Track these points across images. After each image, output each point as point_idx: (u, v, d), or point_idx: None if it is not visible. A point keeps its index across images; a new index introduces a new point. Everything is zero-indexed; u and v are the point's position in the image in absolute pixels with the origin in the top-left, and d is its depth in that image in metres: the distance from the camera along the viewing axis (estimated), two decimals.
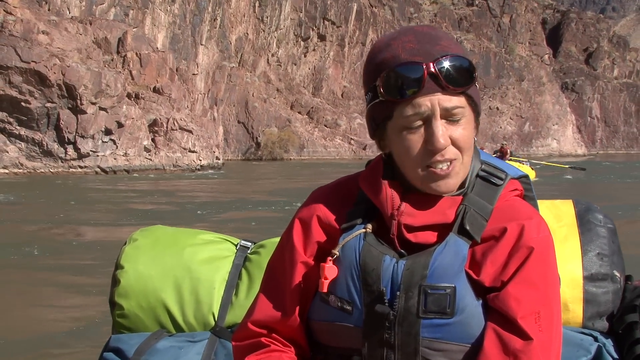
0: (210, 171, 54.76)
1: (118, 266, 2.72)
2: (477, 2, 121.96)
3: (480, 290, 1.62)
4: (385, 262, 1.62)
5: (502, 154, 37.42)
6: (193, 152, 55.59)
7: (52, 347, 8.37)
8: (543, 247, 1.63)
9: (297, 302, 1.75)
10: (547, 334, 1.60)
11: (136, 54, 58.33)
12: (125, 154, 51.43)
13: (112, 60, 57.04)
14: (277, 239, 2.70)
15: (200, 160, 56.04)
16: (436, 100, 1.59)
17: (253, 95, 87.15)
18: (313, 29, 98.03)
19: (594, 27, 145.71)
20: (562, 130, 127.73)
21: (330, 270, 1.63)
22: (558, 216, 2.36)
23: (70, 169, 48.43)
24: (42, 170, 47.16)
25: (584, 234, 2.31)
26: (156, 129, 54.37)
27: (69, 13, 61.62)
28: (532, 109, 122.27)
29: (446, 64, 1.60)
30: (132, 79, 57.21)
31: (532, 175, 33.73)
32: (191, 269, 2.65)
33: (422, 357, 1.61)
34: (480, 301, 1.62)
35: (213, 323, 2.65)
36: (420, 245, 1.63)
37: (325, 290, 1.65)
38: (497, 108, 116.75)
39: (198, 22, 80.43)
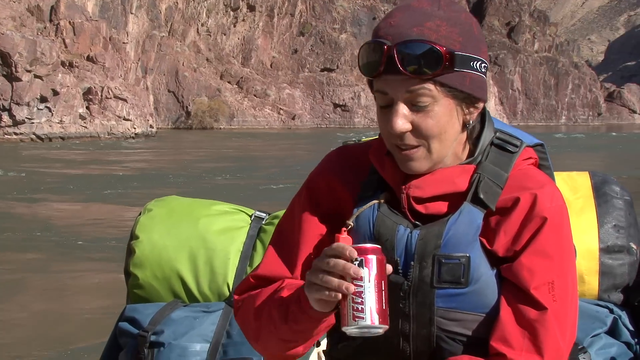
0: (143, 139, 55.73)
1: (133, 236, 2.73)
2: None
3: (494, 259, 1.62)
4: (399, 232, 1.62)
5: None
6: (127, 120, 56.59)
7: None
8: (557, 217, 1.62)
9: (303, 264, 1.73)
10: (561, 304, 1.59)
11: (69, 22, 58.79)
12: (61, 121, 52.15)
13: (45, 28, 57.37)
14: None
15: (135, 128, 57.08)
16: (398, 84, 1.58)
17: (183, 65, 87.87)
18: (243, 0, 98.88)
19: (516, 1, 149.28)
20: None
21: (344, 240, 1.57)
22: (574, 188, 2.35)
23: (5, 136, 48.96)
24: None
25: (601, 206, 2.31)
26: (91, 97, 55.18)
27: None
28: None
29: (407, 48, 1.56)
30: (66, 47, 57.65)
31: None
32: (206, 240, 2.66)
33: (437, 326, 1.61)
34: (495, 271, 1.61)
35: (228, 294, 2.65)
36: (434, 216, 1.63)
37: None
38: None
39: None
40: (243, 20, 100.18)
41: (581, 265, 2.10)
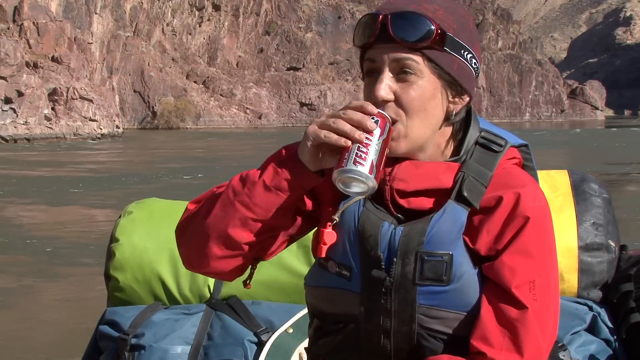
0: (110, 139, 55.54)
1: (113, 239, 2.71)
2: None
3: (476, 258, 1.62)
4: (383, 228, 1.62)
5: None
6: (94, 120, 56.32)
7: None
8: (539, 216, 1.62)
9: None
10: (542, 303, 1.60)
11: (33, 22, 58.38)
12: (26, 122, 51.83)
13: (9, 29, 56.94)
14: None
15: (101, 129, 56.85)
16: (387, 52, 1.60)
17: (149, 65, 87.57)
18: None
19: (480, 0, 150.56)
20: None
21: (329, 235, 1.62)
22: (553, 186, 2.35)
23: None
24: None
25: (579, 204, 2.31)
26: (56, 98, 54.90)
27: None
28: None
29: (401, 18, 1.59)
30: (30, 47, 57.26)
31: None
32: None
33: (419, 324, 1.62)
34: (477, 269, 1.62)
35: (208, 295, 2.66)
36: (417, 212, 1.64)
37: (323, 255, 1.64)
38: None
39: None
40: (208, 19, 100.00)
41: (560, 263, 2.06)
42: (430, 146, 1.67)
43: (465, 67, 1.65)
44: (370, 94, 1.62)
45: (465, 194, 1.62)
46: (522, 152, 1.76)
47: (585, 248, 2.30)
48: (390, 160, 1.64)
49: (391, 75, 1.61)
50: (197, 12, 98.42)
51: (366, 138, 1.54)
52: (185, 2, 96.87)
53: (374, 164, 1.53)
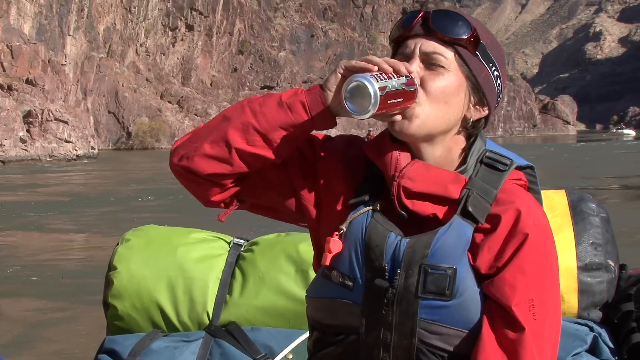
0: (85, 160, 55.55)
1: (111, 267, 2.70)
2: None
3: (477, 276, 1.62)
4: (389, 238, 1.62)
5: None
6: (69, 142, 56.34)
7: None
8: (539, 235, 1.62)
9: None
10: (540, 323, 1.59)
11: (7, 45, 58.44)
12: (1, 145, 51.71)
13: None
14: (271, 236, 2.83)
15: (77, 150, 56.83)
16: (420, 43, 1.64)
17: (123, 86, 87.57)
18: (181, 19, 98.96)
19: None
20: None
21: (335, 244, 1.63)
22: (551, 206, 2.32)
23: None
24: None
25: (578, 224, 2.30)
26: (31, 120, 54.85)
27: None
28: None
29: (442, 14, 1.65)
30: (4, 70, 57.28)
31: None
32: (184, 269, 2.65)
33: (419, 338, 1.61)
34: (480, 288, 1.62)
35: (207, 322, 2.65)
36: (421, 221, 1.65)
37: (327, 263, 1.65)
38: None
39: (65, 13, 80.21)
40: (182, 40, 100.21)
41: (560, 284, 2.04)
42: (440, 146, 1.70)
43: (490, 80, 1.70)
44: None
45: (470, 209, 1.63)
46: (528, 175, 1.77)
47: (584, 268, 2.28)
48: (402, 157, 1.68)
49: (421, 64, 1.65)
50: (170, 33, 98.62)
51: (392, 73, 1.58)
52: (159, 23, 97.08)
53: (385, 93, 1.55)
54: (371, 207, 1.68)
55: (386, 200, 1.69)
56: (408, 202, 1.64)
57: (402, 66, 1.60)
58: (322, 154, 1.80)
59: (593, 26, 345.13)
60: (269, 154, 1.68)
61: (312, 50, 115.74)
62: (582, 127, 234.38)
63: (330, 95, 1.63)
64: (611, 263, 2.33)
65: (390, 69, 1.58)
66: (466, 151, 1.71)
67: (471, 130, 1.70)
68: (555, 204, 2.36)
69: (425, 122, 1.64)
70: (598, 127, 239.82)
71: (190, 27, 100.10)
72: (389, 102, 1.55)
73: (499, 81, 1.71)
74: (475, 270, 1.62)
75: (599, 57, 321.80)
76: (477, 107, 1.69)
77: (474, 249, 1.62)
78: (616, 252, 2.37)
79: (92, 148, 59.34)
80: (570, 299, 2.26)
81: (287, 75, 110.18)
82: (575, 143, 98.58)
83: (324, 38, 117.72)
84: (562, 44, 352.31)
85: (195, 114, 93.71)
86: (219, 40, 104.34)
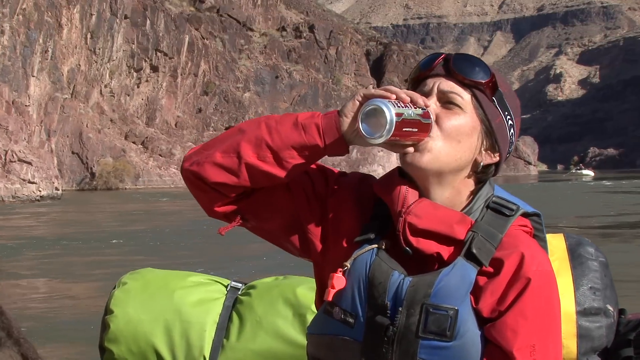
0: (49, 201, 55.17)
1: (107, 311, 2.67)
2: (304, 35, 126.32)
3: (479, 320, 1.61)
4: (393, 276, 1.62)
5: None
6: (32, 183, 55.96)
7: None
8: (541, 280, 1.62)
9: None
10: None
11: None
12: None
13: None
14: (268, 279, 2.82)
15: (40, 191, 56.42)
16: (438, 82, 1.66)
17: (87, 126, 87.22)
18: (145, 60, 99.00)
19: (414, 58, 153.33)
20: (387, 156, 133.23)
21: (338, 280, 1.63)
22: (549, 250, 2.22)
23: None
24: None
25: (576, 268, 2.29)
26: None
27: None
28: None
29: (463, 57, 1.67)
30: None
31: None
32: (182, 312, 2.63)
33: None
34: (481, 332, 1.61)
35: None
36: (422, 254, 1.64)
37: (330, 298, 1.64)
38: None
39: (29, 54, 79.91)
40: (147, 80, 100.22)
41: None
42: (449, 187, 1.71)
43: (504, 128, 1.72)
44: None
45: (474, 251, 1.63)
46: (534, 222, 1.77)
47: (583, 313, 2.25)
48: (410, 195, 1.68)
49: (438, 102, 1.67)
50: (135, 74, 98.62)
51: (409, 103, 1.62)
52: (123, 64, 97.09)
53: (401, 120, 1.57)
54: (376, 246, 1.69)
55: (392, 239, 1.69)
56: (413, 239, 1.65)
57: (419, 98, 1.63)
58: (335, 188, 1.81)
59: (554, 68, 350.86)
60: (277, 172, 1.70)
61: (276, 91, 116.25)
62: (544, 167, 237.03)
63: (346, 122, 1.64)
64: (610, 308, 2.31)
65: (408, 99, 1.61)
66: (474, 195, 1.72)
67: (481, 175, 1.73)
68: (553, 247, 2.31)
69: (437, 157, 1.65)
70: (559, 167, 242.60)
71: (155, 68, 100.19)
72: (403, 129, 1.57)
73: (512, 130, 1.73)
74: (477, 313, 1.62)
75: (559, 98, 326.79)
76: (489, 152, 1.71)
77: (477, 292, 1.62)
78: (615, 296, 2.35)
79: (56, 189, 58.97)
80: (569, 344, 2.22)
81: (251, 115, 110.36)
82: (536, 182, 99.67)
83: (289, 79, 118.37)
84: (523, 85, 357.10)
85: (160, 155, 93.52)
86: (184, 81, 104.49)
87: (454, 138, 1.65)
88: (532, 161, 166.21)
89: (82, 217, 38.52)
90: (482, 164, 1.70)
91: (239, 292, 2.74)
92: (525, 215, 1.75)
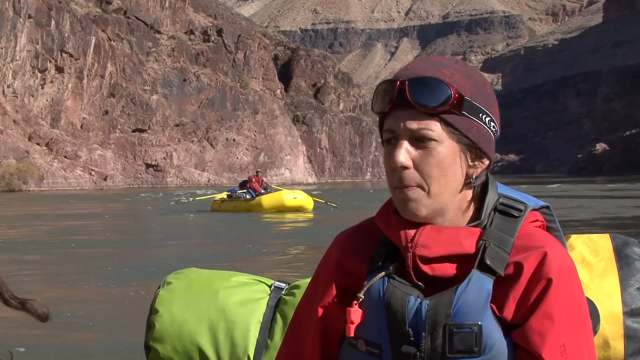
0: None
1: (153, 310, 2.68)
2: (213, 39, 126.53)
3: (505, 327, 1.56)
4: (409, 302, 1.57)
5: (258, 183, 35.77)
6: None
7: None
8: (563, 278, 1.56)
9: (319, 349, 1.73)
10: None
11: None
12: None
13: None
14: None
15: None
16: (403, 119, 1.57)
17: None
18: (50, 61, 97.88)
19: (321, 64, 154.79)
20: (294, 160, 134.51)
21: (355, 313, 1.59)
22: (595, 251, 2.25)
23: None
24: None
25: (623, 269, 2.21)
26: None
27: None
28: (267, 141, 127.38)
29: (419, 83, 1.57)
30: None
31: (310, 204, 33.34)
32: (226, 312, 2.63)
33: None
34: (508, 339, 1.56)
35: None
36: (440, 279, 1.59)
37: (352, 334, 1.62)
38: (234, 139, 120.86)
39: None
40: (51, 81, 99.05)
41: (605, 330, 2.05)
42: (450, 210, 1.65)
43: (484, 131, 1.63)
44: (389, 160, 1.61)
45: (488, 262, 1.58)
46: (544, 214, 1.73)
47: (630, 314, 2.17)
48: (411, 225, 1.64)
49: (409, 142, 1.60)
50: (39, 74, 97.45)
51: None
52: (27, 64, 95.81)
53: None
54: (387, 272, 1.65)
55: (402, 262, 1.66)
56: (427, 269, 1.61)
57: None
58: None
59: None
60: None
61: (184, 94, 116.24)
62: None
63: None
64: None
65: None
66: (478, 202, 1.70)
67: (475, 182, 1.67)
68: (599, 248, 2.26)
69: (431, 203, 1.62)
70: None
71: (60, 69, 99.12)
72: None
73: (492, 124, 1.66)
74: (503, 321, 1.58)
75: None
76: (476, 161, 1.65)
77: (499, 300, 1.58)
78: None
79: None
80: (616, 345, 2.15)
81: (159, 118, 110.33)
82: None
83: (197, 82, 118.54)
84: None
85: (65, 157, 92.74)
86: (90, 83, 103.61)
87: (439, 176, 1.60)
88: None
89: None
90: (474, 175, 1.65)
91: (283, 292, 2.72)
92: (534, 209, 1.72)
